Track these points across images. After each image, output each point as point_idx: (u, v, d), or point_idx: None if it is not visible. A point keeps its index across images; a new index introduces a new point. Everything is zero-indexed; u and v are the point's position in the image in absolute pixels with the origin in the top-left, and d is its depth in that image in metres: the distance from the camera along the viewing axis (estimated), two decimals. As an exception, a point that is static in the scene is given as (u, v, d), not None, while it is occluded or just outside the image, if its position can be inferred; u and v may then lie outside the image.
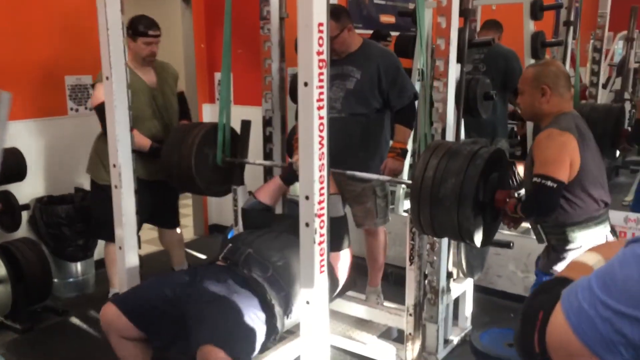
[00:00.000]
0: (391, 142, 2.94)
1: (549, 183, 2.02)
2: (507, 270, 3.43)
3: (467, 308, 3.01)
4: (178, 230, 3.56)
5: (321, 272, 1.82)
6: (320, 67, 1.68)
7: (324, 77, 1.70)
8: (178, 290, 2.16)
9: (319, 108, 1.70)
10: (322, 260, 1.81)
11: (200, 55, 4.51)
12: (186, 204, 5.22)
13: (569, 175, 2.07)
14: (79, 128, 3.55)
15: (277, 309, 2.17)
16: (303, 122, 1.72)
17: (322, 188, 1.75)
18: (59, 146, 3.54)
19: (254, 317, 2.09)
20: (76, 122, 3.59)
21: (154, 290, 2.17)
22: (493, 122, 3.81)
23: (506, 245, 2.66)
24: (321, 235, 1.78)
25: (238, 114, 2.96)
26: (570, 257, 2.14)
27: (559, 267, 2.17)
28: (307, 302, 1.84)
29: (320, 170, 1.74)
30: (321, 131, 1.72)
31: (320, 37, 1.67)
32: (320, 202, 1.75)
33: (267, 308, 2.15)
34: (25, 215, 3.29)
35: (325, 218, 1.78)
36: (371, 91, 2.83)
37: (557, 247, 2.19)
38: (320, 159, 1.73)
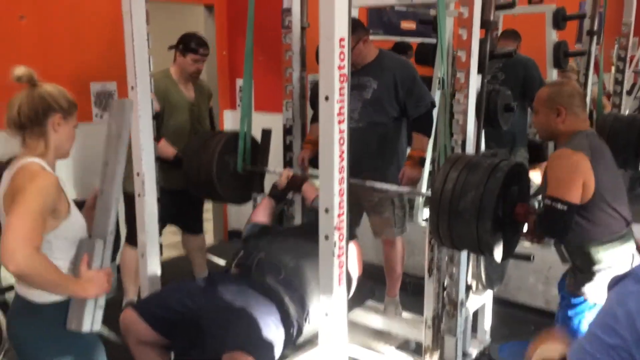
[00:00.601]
0: (409, 150, 2.95)
1: (559, 206, 2.00)
2: (528, 283, 3.40)
3: (487, 321, 2.98)
4: (201, 236, 3.60)
5: (340, 284, 1.83)
6: (341, 82, 1.69)
7: (345, 91, 1.71)
8: (196, 297, 2.19)
9: (340, 122, 1.72)
10: (341, 272, 1.82)
11: (222, 62, 4.56)
12: (206, 209, 5.24)
13: (582, 195, 2.04)
14: (104, 134, 3.60)
15: (293, 314, 2.18)
16: (323, 135, 1.73)
17: (341, 201, 1.76)
18: (84, 151, 3.57)
19: (274, 325, 2.10)
20: (101, 128, 3.61)
21: (173, 296, 2.21)
22: (512, 131, 3.77)
23: (526, 258, 2.64)
24: (340, 248, 1.79)
25: (258, 121, 2.99)
26: (599, 278, 2.11)
27: (588, 289, 2.14)
28: (326, 314, 1.85)
29: (340, 183, 1.75)
30: (341, 144, 1.74)
31: (342, 52, 1.68)
32: (339, 215, 1.76)
33: (284, 315, 2.17)
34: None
35: (344, 231, 1.79)
36: (389, 100, 2.85)
37: (583, 268, 2.16)
38: (340, 172, 1.75)
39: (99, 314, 1.72)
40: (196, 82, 3.31)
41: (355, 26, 2.83)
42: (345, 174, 1.77)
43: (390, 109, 2.86)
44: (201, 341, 2.09)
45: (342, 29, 1.68)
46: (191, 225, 3.52)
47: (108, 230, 1.77)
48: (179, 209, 3.22)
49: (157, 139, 3.11)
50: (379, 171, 2.80)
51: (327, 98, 1.70)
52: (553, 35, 3.95)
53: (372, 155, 2.87)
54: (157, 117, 2.97)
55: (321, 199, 1.77)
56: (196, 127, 3.28)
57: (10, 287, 3.11)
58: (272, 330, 2.08)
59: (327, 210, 1.75)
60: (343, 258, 1.80)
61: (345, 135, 1.75)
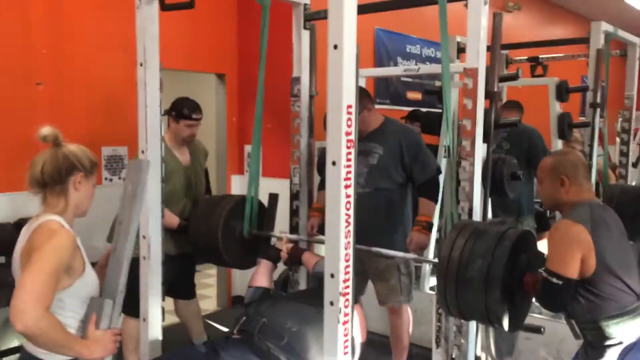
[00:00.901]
0: (416, 217, 2.94)
1: (555, 280, 1.97)
2: (538, 357, 3.29)
3: (497, 395, 2.86)
4: (194, 301, 3.54)
5: (345, 353, 1.78)
6: (348, 147, 1.72)
7: (352, 156, 1.73)
8: None
9: (346, 187, 1.73)
10: (346, 340, 1.77)
11: (231, 128, 4.66)
12: (210, 274, 5.22)
13: (583, 269, 2.00)
14: (113, 198, 3.63)
15: None
16: (330, 199, 1.74)
17: (347, 266, 1.74)
18: (92, 215, 3.60)
19: None
20: (110, 191, 3.67)
21: None
22: (518, 200, 3.77)
23: (537, 330, 2.56)
24: (345, 315, 1.76)
25: (266, 186, 3.01)
26: (611, 354, 2.04)
27: None
28: (330, 384, 1.79)
29: (346, 248, 1.74)
30: (348, 209, 1.74)
31: (349, 119, 1.72)
32: (345, 281, 1.74)
33: None
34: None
35: (350, 297, 1.76)
36: (394, 166, 2.88)
37: (594, 343, 2.09)
38: (346, 237, 1.74)
39: None
40: (190, 144, 3.33)
41: (361, 95, 2.90)
42: (351, 239, 1.76)
43: (396, 175, 2.89)
44: None
45: (349, 96, 1.72)
46: (184, 290, 3.46)
47: (118, 290, 1.76)
48: (173, 275, 3.18)
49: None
50: (385, 237, 2.79)
51: (334, 163, 1.72)
52: (557, 107, 4.02)
53: (378, 221, 2.87)
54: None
55: (327, 264, 1.76)
56: (191, 190, 3.28)
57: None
58: None
59: (332, 276, 1.73)
60: (348, 325, 1.76)
61: (352, 200, 1.75)
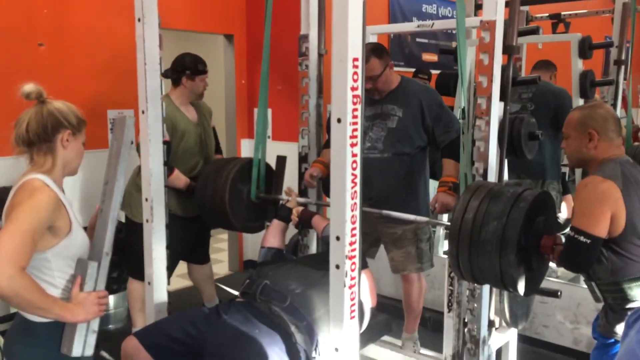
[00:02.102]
0: (430, 183, 2.85)
1: (582, 238, 1.86)
2: (555, 321, 3.22)
3: (511, 360, 2.82)
4: (208, 265, 3.52)
5: (352, 317, 1.72)
6: (354, 103, 1.62)
7: (358, 113, 1.63)
8: (200, 327, 2.11)
9: (352, 145, 1.63)
10: (352, 305, 1.71)
11: (240, 91, 4.55)
12: (222, 239, 5.21)
13: (612, 228, 1.90)
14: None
15: (300, 343, 2.07)
16: (335, 159, 1.65)
17: (354, 229, 1.67)
18: (98, 178, 3.58)
19: (277, 356, 2.00)
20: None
21: (176, 326, 2.13)
22: (542, 163, 3.65)
23: (554, 294, 2.48)
24: (352, 279, 1.69)
25: (276, 150, 2.93)
26: None
27: (621, 329, 1.98)
28: (336, 349, 1.74)
29: (352, 210, 1.66)
30: (354, 169, 1.65)
31: (355, 72, 1.61)
32: (351, 244, 1.66)
33: (289, 344, 2.06)
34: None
35: (357, 260, 1.69)
36: (415, 129, 2.75)
37: (614, 306, 2.01)
38: (352, 198, 1.66)
39: (92, 338, 1.64)
40: (195, 102, 3.26)
41: (383, 50, 2.77)
42: (358, 200, 1.67)
43: (417, 138, 2.77)
44: None
45: (356, 49, 1.61)
46: (197, 255, 3.44)
47: (104, 251, 1.71)
48: (187, 237, 3.15)
49: (170, 169, 3.08)
50: (404, 204, 2.68)
51: (339, 120, 1.63)
52: (579, 65, 3.84)
53: (398, 187, 2.76)
54: (168, 146, 2.94)
55: (332, 226, 1.68)
56: (203, 148, 3.23)
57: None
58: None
59: (338, 238, 1.66)
60: (355, 289, 1.70)
61: (358, 159, 1.66)
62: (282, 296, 2.16)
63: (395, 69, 3.08)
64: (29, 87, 1.63)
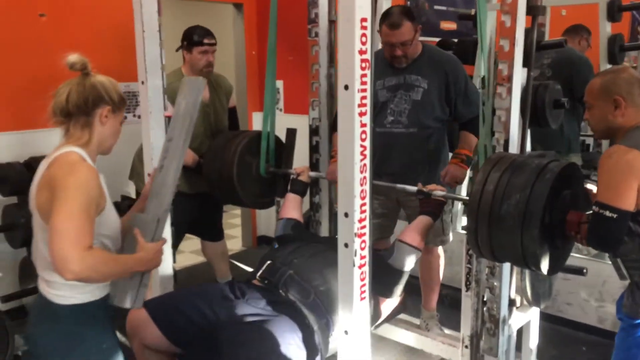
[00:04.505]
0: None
1: (607, 213, 1.71)
2: (579, 298, 3.09)
3: (532, 340, 2.70)
4: (221, 242, 3.45)
5: (362, 298, 1.62)
6: (362, 68, 1.49)
7: (367, 79, 1.50)
8: (215, 307, 2.01)
9: (361, 114, 1.51)
10: (362, 285, 1.61)
11: (251, 62, 4.42)
12: (235, 214, 5.14)
13: (638, 201, 1.75)
14: (127, 135, 3.47)
15: (317, 340, 1.99)
16: (343, 129, 1.53)
17: (363, 204, 1.55)
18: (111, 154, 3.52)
19: (296, 346, 1.92)
20: (124, 129, 3.52)
21: (190, 303, 2.02)
22: (561, 135, 3.47)
23: (579, 271, 2.36)
24: (362, 258, 1.58)
25: (288, 123, 2.81)
26: None
27: None
28: (346, 332, 1.64)
29: (361, 184, 1.54)
30: (363, 140, 1.53)
31: (364, 34, 1.48)
32: (361, 220, 1.55)
33: (308, 337, 1.98)
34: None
35: (366, 238, 1.58)
36: (439, 102, 2.60)
37: None
38: (361, 172, 1.54)
39: (143, 292, 1.63)
40: (209, 77, 3.14)
41: (412, 12, 2.59)
42: (367, 174, 1.55)
43: (440, 112, 2.62)
44: (215, 356, 1.91)
45: (364, 8, 1.47)
46: (210, 231, 3.36)
47: (163, 208, 1.68)
48: (197, 214, 3.06)
49: None
50: (427, 178, 2.55)
51: (346, 87, 1.50)
52: (607, 28, 3.62)
53: (422, 163, 2.64)
54: None
55: (340, 202, 1.57)
56: (211, 128, 3.12)
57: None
58: (293, 348, 1.90)
59: (346, 215, 1.55)
60: (365, 268, 1.59)
61: (367, 130, 1.54)
62: (306, 292, 2.08)
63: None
64: (73, 57, 1.56)
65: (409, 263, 2.20)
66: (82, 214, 1.44)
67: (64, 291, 1.55)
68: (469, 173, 3.31)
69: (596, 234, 1.77)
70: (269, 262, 2.22)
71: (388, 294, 2.21)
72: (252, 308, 2.01)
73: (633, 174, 1.73)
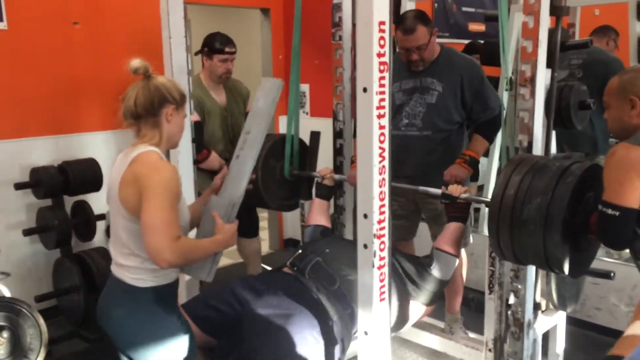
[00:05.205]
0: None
1: (610, 211, 1.68)
2: (608, 303, 3.03)
3: (559, 344, 2.65)
4: (257, 240, 3.49)
5: (381, 299, 1.63)
6: (381, 71, 1.51)
7: (386, 81, 1.52)
8: (242, 297, 2.07)
9: (380, 116, 1.52)
10: (382, 286, 1.62)
11: (278, 66, 4.46)
12: (262, 217, 5.17)
13: None
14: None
15: (337, 331, 2.00)
16: (362, 132, 1.55)
17: (382, 206, 1.56)
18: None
19: (313, 339, 1.94)
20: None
21: (219, 297, 2.10)
22: (592, 136, 3.41)
23: (606, 275, 2.31)
24: (381, 259, 1.59)
25: (313, 126, 2.84)
26: None
27: None
28: (366, 333, 1.66)
29: (380, 186, 1.56)
30: (382, 142, 1.54)
31: (382, 37, 1.50)
32: (380, 222, 1.57)
33: (327, 330, 2.00)
34: (101, 225, 3.34)
35: (386, 239, 1.59)
36: (454, 105, 2.60)
37: None
38: (380, 173, 1.55)
39: (215, 267, 1.84)
40: (227, 84, 3.18)
41: (427, 16, 2.60)
42: (386, 176, 1.57)
43: (456, 115, 2.62)
44: (240, 344, 1.96)
45: (382, 12, 1.49)
46: (246, 228, 3.41)
47: (239, 194, 1.84)
48: None
49: (208, 150, 3.04)
50: (444, 183, 2.55)
51: (365, 90, 1.52)
52: (637, 28, 3.55)
53: (436, 165, 2.63)
54: (199, 127, 2.89)
55: (359, 203, 1.59)
56: (229, 133, 3.17)
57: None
58: (310, 345, 1.92)
59: (365, 216, 1.57)
60: (384, 269, 1.60)
61: (386, 132, 1.55)
62: (332, 279, 2.11)
63: (440, 40, 2.90)
64: (136, 62, 1.69)
65: (450, 271, 2.24)
66: (170, 209, 1.59)
67: (143, 275, 1.68)
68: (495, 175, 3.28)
69: (602, 232, 1.75)
70: (299, 250, 2.27)
71: (428, 302, 2.26)
72: (276, 300, 2.04)
73: (636, 171, 1.70)
